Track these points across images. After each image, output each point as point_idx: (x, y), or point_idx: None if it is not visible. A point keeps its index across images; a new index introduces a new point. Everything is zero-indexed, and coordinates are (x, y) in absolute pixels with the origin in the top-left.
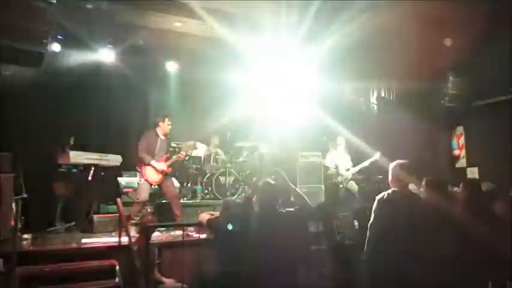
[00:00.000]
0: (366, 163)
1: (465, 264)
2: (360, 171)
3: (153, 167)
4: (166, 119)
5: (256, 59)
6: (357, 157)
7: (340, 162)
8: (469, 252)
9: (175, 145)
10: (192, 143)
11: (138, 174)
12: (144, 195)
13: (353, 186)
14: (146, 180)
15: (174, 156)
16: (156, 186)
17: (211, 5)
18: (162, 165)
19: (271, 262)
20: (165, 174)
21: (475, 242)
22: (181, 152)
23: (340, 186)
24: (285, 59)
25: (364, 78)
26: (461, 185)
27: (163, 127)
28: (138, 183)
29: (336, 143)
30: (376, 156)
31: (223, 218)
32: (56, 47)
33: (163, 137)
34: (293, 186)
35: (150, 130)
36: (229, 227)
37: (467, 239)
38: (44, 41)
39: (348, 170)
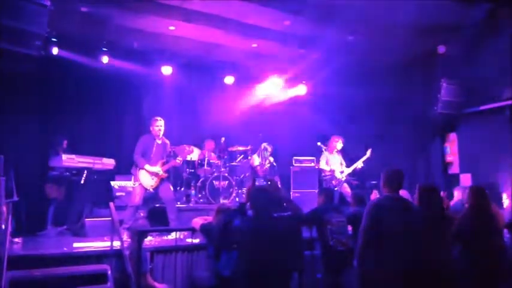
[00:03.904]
0: (358, 163)
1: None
2: (354, 176)
3: (148, 171)
4: (154, 122)
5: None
6: (349, 157)
7: (334, 165)
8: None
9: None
10: (184, 146)
11: (132, 177)
12: (137, 199)
13: (347, 190)
14: (140, 184)
15: (171, 161)
16: (152, 190)
17: (206, 10)
18: (157, 169)
19: (265, 267)
20: (162, 179)
21: (477, 248)
22: (178, 157)
23: (336, 189)
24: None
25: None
26: (467, 191)
27: (153, 130)
28: (132, 187)
29: (329, 146)
30: (368, 153)
31: (217, 223)
32: (52, 50)
33: (159, 141)
34: (286, 193)
35: (146, 134)
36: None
37: (469, 245)
38: (39, 43)
39: (341, 172)
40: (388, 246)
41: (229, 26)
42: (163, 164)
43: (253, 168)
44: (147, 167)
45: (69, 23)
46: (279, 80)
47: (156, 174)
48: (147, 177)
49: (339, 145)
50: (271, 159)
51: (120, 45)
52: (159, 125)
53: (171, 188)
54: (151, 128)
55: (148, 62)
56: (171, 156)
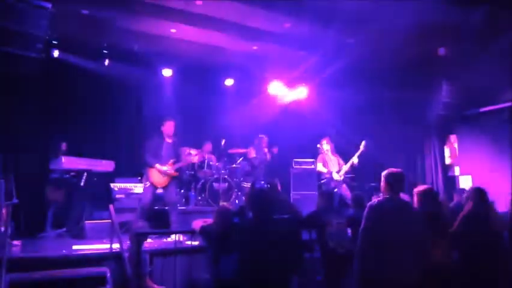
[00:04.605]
0: (353, 159)
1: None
2: (354, 176)
3: (158, 169)
4: (166, 122)
5: (249, 66)
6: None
7: (332, 166)
8: (466, 262)
9: (186, 151)
10: (185, 149)
11: (143, 178)
12: (147, 200)
13: (346, 192)
14: (152, 183)
15: (182, 161)
16: (161, 190)
17: (207, 12)
18: (168, 168)
19: (264, 269)
20: (171, 178)
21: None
22: (190, 157)
23: (335, 190)
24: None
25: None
26: (468, 193)
27: (165, 130)
28: (144, 187)
29: (324, 147)
30: (362, 147)
31: (217, 225)
32: (53, 52)
33: (169, 141)
34: (286, 197)
35: (156, 134)
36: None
37: (466, 247)
38: (40, 46)
39: (339, 171)
40: (388, 249)
41: (230, 29)
42: (174, 163)
43: (250, 160)
44: (157, 166)
45: (70, 26)
46: (279, 82)
47: (166, 173)
48: (157, 176)
49: (325, 146)
50: (266, 150)
51: (121, 48)
52: (171, 126)
53: (176, 191)
54: (162, 128)
55: (149, 65)
56: (181, 156)
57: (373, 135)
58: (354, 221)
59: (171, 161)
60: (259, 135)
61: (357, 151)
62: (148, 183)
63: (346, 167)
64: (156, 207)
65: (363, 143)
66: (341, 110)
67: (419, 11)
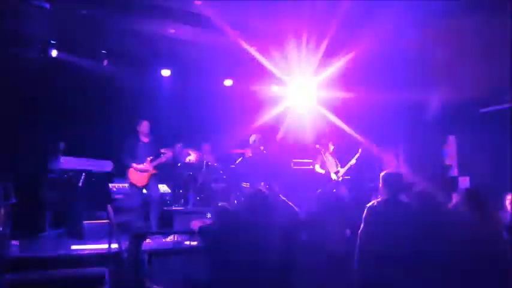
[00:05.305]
0: (352, 161)
1: (459, 273)
2: (351, 177)
3: (135, 168)
4: (141, 122)
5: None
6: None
7: (330, 167)
8: (464, 262)
9: (163, 151)
10: (180, 145)
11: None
12: (136, 201)
13: (344, 192)
14: (131, 182)
15: (159, 158)
16: (144, 190)
17: (206, 12)
18: (145, 166)
19: (262, 270)
20: (151, 175)
21: (474, 251)
22: (166, 153)
23: (334, 191)
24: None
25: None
26: (462, 193)
27: (140, 130)
28: (129, 188)
29: (329, 147)
30: (360, 151)
31: (215, 225)
32: (50, 52)
33: (146, 140)
34: (283, 198)
35: (131, 134)
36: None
37: (465, 248)
38: (39, 46)
39: (337, 173)
40: (387, 250)
41: (229, 29)
42: (151, 160)
43: (247, 160)
44: (134, 165)
45: (69, 26)
46: (278, 82)
47: (144, 172)
48: (136, 175)
49: (331, 147)
50: (261, 148)
51: (119, 48)
52: (146, 126)
53: (162, 189)
54: (138, 128)
55: (148, 65)
56: (161, 154)
57: (372, 135)
58: (353, 222)
59: (148, 158)
60: (254, 135)
61: (355, 153)
62: (131, 186)
63: (343, 170)
64: None
65: (360, 150)
66: (341, 110)
67: (420, 11)
